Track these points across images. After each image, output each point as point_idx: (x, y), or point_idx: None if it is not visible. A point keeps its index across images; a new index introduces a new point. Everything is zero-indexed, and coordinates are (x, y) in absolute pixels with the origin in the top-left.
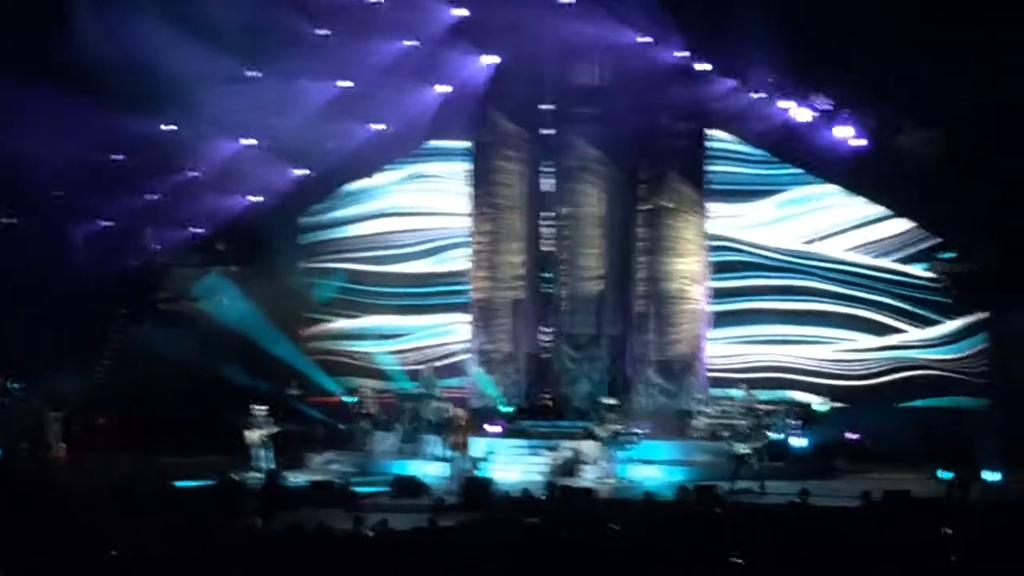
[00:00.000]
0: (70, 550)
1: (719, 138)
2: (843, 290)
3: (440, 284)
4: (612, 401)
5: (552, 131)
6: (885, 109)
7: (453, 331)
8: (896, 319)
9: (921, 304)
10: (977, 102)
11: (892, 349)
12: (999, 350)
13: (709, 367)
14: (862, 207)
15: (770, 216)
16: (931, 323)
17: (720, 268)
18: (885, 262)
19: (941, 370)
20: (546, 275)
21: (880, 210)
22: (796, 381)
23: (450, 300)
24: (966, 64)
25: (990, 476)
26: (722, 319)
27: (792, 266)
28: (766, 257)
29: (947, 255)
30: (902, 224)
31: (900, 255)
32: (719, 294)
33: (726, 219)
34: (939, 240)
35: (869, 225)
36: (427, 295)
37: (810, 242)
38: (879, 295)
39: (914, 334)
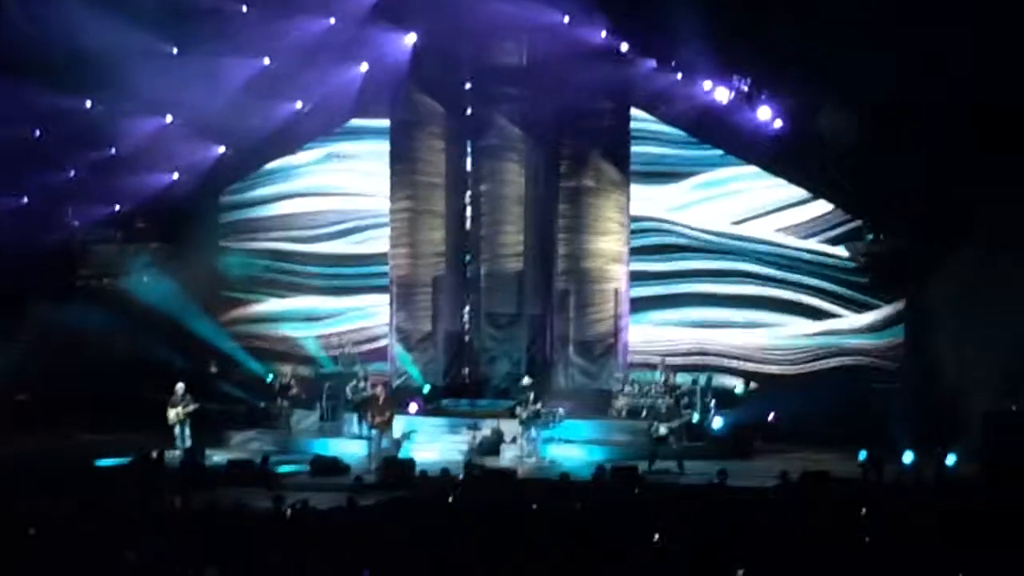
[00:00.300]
0: None
1: (642, 118)
2: (777, 273)
3: (360, 265)
4: (532, 380)
5: (473, 110)
6: (804, 90)
7: (376, 313)
8: (831, 303)
9: (855, 288)
10: (896, 83)
11: (823, 335)
12: (913, 331)
13: (634, 349)
14: (784, 189)
15: (695, 197)
16: (867, 307)
17: (651, 250)
18: (814, 244)
19: (868, 356)
20: (466, 254)
21: (802, 192)
22: (725, 367)
23: (371, 282)
24: (886, 44)
25: (907, 457)
26: (653, 302)
27: (724, 248)
28: (697, 239)
29: (867, 237)
30: (825, 206)
31: (825, 237)
32: (650, 277)
33: (650, 201)
34: (860, 223)
35: (794, 207)
36: (348, 276)
37: (738, 223)
38: (813, 278)
39: (846, 320)
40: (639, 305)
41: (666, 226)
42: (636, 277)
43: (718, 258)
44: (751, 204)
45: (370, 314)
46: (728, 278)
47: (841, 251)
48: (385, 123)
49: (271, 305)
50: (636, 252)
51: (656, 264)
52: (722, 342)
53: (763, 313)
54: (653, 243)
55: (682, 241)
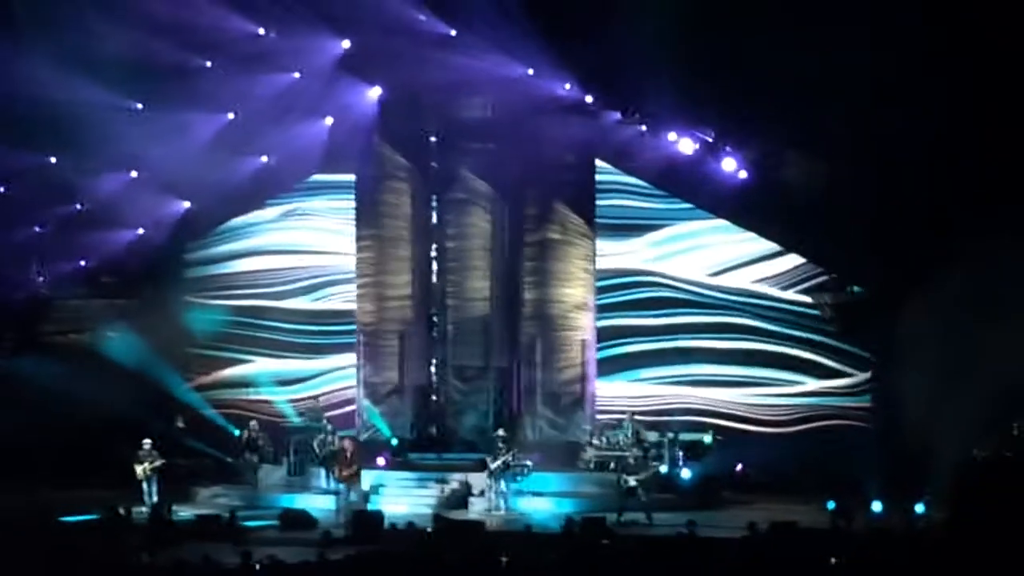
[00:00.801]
0: None
1: (608, 170)
2: (762, 325)
3: (327, 323)
4: (502, 432)
5: (439, 163)
6: (769, 140)
7: (344, 374)
8: (815, 354)
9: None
10: (857, 131)
11: (806, 396)
12: (881, 381)
13: (603, 402)
14: (755, 242)
15: (669, 249)
16: (844, 356)
17: (641, 304)
18: (793, 295)
19: (844, 419)
20: (433, 307)
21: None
22: (714, 425)
23: (338, 340)
24: (846, 93)
25: (876, 507)
26: (641, 359)
27: (712, 301)
28: (686, 291)
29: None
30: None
31: (803, 288)
32: (641, 332)
33: (622, 255)
34: (830, 275)
35: (769, 259)
36: (314, 333)
37: (715, 275)
38: (797, 330)
39: (836, 381)
40: (627, 362)
41: (654, 279)
42: (629, 333)
43: (707, 312)
44: (724, 256)
45: (339, 376)
46: (718, 333)
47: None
48: (350, 178)
49: (239, 367)
50: (624, 307)
51: (647, 319)
52: (707, 398)
53: (748, 369)
54: (643, 297)
55: (672, 294)
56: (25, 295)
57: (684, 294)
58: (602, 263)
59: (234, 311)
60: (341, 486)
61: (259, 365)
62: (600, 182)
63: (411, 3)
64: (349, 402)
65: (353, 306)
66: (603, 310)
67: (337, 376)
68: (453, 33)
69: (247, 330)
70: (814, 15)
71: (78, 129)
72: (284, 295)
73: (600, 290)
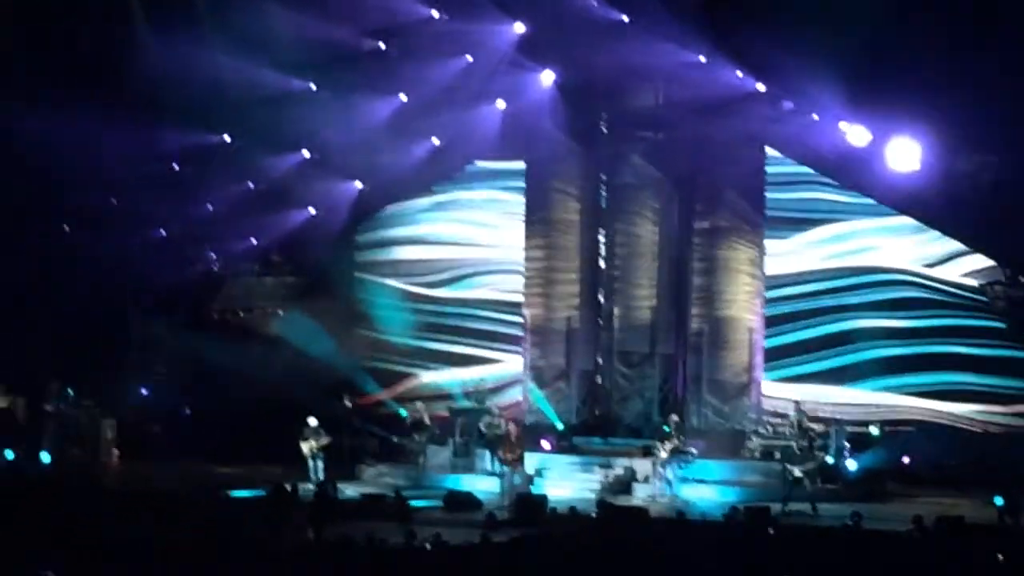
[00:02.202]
0: (117, 557)
1: (776, 160)
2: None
3: (493, 309)
4: (674, 418)
5: (608, 149)
6: (942, 133)
7: (512, 359)
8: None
9: None
10: None
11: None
12: None
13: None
14: (930, 240)
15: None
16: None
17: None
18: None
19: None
20: (600, 293)
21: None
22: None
23: (503, 329)
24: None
25: None
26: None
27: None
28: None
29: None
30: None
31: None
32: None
33: (789, 253)
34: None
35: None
36: (478, 318)
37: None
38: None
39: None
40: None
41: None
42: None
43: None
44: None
45: (503, 354)
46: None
47: None
48: (518, 165)
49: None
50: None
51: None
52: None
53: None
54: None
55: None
56: (198, 273)
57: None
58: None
59: (402, 295)
60: (505, 468)
61: (426, 345)
62: (770, 174)
63: None
64: (515, 385)
65: (519, 294)
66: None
67: (500, 353)
68: (626, 19)
69: (414, 314)
70: (990, 9)
71: (253, 110)
72: (446, 283)
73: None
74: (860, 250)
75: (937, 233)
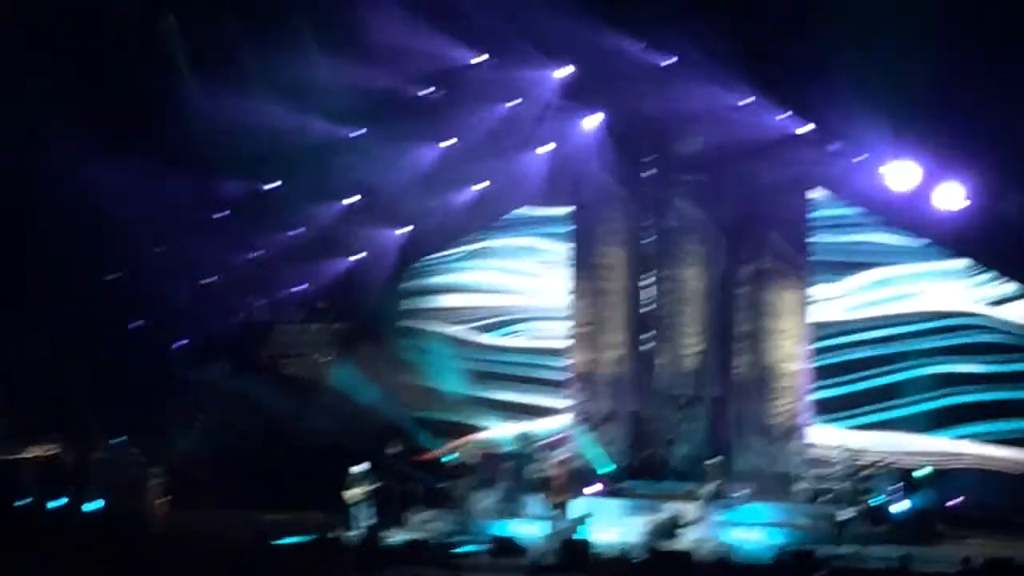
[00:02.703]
0: None
1: (824, 203)
2: None
3: (537, 355)
4: (716, 460)
5: (653, 192)
6: (987, 173)
7: (559, 403)
8: None
9: None
10: None
11: None
12: None
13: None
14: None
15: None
16: None
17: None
18: None
19: None
20: (646, 336)
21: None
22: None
23: (549, 375)
24: None
25: None
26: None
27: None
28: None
29: None
30: None
31: None
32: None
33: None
34: None
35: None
36: (526, 365)
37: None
38: None
39: None
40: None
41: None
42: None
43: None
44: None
45: (551, 403)
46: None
47: None
48: (562, 210)
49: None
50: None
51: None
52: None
53: None
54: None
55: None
56: (243, 319)
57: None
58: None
59: (446, 342)
60: (551, 512)
61: (473, 397)
62: (816, 217)
63: (628, 31)
64: (563, 429)
65: (563, 340)
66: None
67: (551, 404)
68: (671, 62)
69: (460, 362)
70: None
71: (300, 157)
72: (490, 328)
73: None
74: (910, 295)
75: (983, 277)
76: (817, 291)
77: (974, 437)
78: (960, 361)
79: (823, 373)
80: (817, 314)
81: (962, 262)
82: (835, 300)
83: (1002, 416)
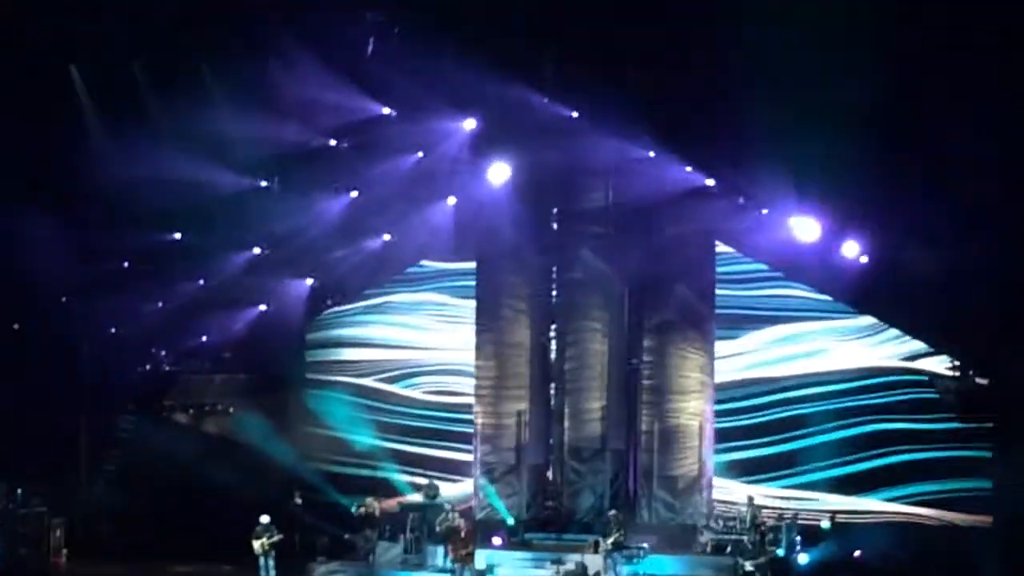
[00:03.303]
0: None
1: (729, 257)
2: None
3: (444, 410)
4: (614, 512)
5: (558, 244)
6: (890, 227)
7: (462, 454)
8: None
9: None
10: (981, 218)
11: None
12: (1000, 470)
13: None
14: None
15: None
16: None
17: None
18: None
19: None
20: (550, 389)
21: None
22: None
23: (455, 427)
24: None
25: None
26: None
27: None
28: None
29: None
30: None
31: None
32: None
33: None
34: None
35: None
36: (428, 418)
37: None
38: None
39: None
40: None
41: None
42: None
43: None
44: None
45: (456, 455)
46: None
47: None
48: (466, 265)
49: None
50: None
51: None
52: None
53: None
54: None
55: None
56: (149, 369)
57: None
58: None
59: (355, 394)
60: (456, 564)
61: (380, 448)
62: (721, 271)
63: (533, 86)
64: (466, 481)
65: (468, 394)
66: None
67: (456, 456)
68: (575, 115)
69: (365, 413)
70: (935, 107)
71: (206, 208)
72: (394, 380)
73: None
74: (812, 353)
75: (887, 335)
76: (723, 347)
77: (884, 498)
78: (875, 421)
79: (730, 435)
80: (722, 372)
81: (867, 319)
82: (741, 356)
83: (915, 478)
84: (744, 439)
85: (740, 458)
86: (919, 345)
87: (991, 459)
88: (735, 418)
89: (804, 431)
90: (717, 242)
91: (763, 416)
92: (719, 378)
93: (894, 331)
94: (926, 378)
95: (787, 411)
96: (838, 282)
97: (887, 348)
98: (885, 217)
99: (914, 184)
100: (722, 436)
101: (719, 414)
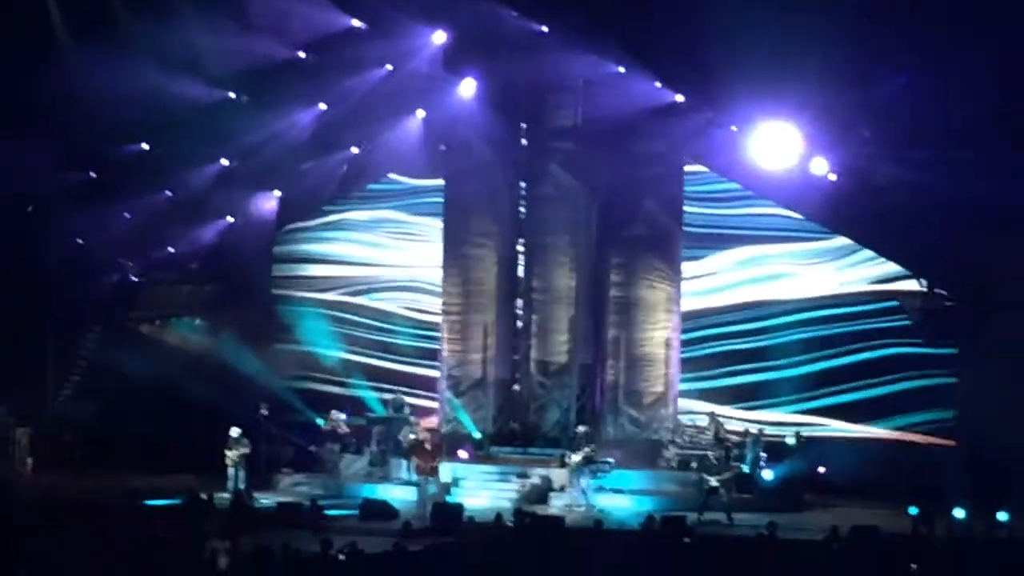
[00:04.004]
0: (32, 567)
1: (696, 175)
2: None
3: (411, 324)
4: (585, 428)
5: (528, 159)
6: (859, 144)
7: (428, 367)
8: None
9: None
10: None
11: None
12: (964, 387)
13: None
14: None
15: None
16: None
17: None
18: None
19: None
20: (517, 303)
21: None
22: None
23: (422, 344)
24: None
25: (959, 514)
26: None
27: None
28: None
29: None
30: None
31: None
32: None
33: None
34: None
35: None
36: (399, 333)
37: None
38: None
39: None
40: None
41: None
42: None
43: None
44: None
45: (422, 370)
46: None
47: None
48: (434, 182)
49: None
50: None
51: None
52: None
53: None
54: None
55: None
56: (114, 281)
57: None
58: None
59: (321, 308)
60: (421, 478)
61: (343, 355)
62: (688, 190)
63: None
64: (432, 394)
65: (435, 308)
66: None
67: (420, 368)
68: (545, 30)
69: (332, 326)
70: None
71: (173, 120)
72: (360, 293)
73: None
74: (778, 275)
75: (855, 258)
76: (689, 268)
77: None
78: (844, 354)
79: (696, 364)
80: (688, 296)
81: (835, 242)
82: (708, 277)
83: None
84: (710, 368)
85: (706, 387)
86: (888, 268)
87: (956, 386)
88: (701, 347)
89: (771, 363)
90: (687, 160)
91: (730, 344)
92: (686, 304)
93: (862, 254)
94: (895, 303)
95: (754, 341)
96: (808, 201)
97: (856, 271)
98: (856, 133)
99: (884, 99)
100: (689, 365)
101: (685, 343)
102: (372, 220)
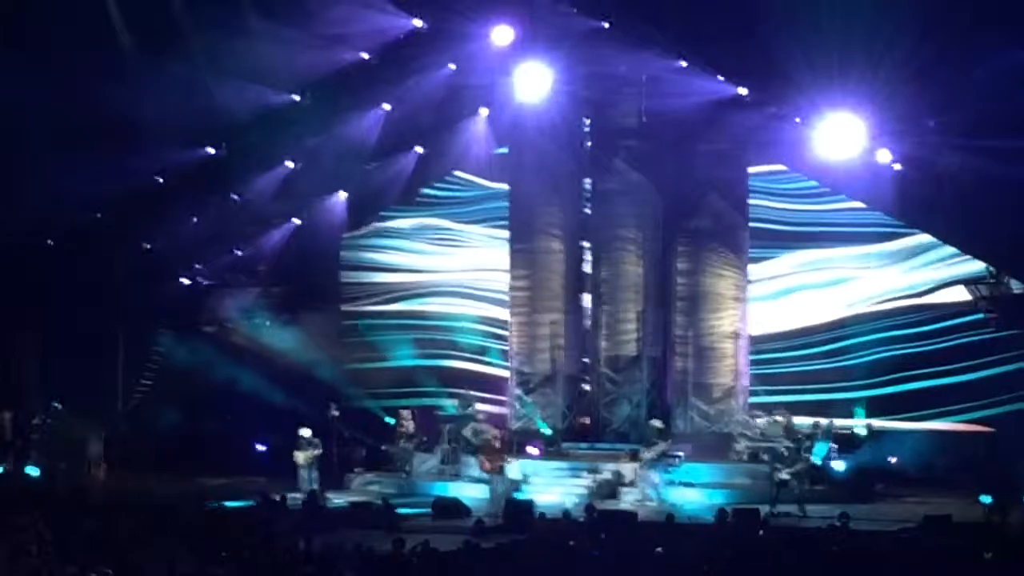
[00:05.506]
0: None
1: (762, 175)
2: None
3: (479, 323)
4: (658, 423)
5: (592, 155)
6: (924, 133)
7: (499, 365)
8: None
9: None
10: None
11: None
12: None
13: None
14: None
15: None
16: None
17: None
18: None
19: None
20: (585, 298)
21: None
22: None
23: (489, 342)
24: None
25: None
26: None
27: None
28: None
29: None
30: None
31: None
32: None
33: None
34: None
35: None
36: (465, 331)
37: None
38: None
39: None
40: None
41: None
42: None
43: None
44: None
45: (492, 369)
46: None
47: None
48: (499, 186)
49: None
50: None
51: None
52: None
53: None
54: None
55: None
56: (183, 285)
57: None
58: None
59: (391, 310)
60: (492, 475)
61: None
62: (753, 184)
63: None
64: (502, 391)
65: (504, 306)
66: None
67: (491, 370)
68: (606, 26)
69: (397, 331)
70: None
71: (239, 124)
72: (426, 296)
73: None
74: (845, 279)
75: (921, 260)
76: (756, 269)
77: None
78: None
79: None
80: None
81: (901, 243)
82: (775, 279)
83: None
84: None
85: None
86: (952, 271)
87: None
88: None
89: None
90: (751, 154)
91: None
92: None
93: (925, 257)
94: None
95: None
96: (874, 191)
97: (923, 273)
98: (920, 123)
99: (948, 90)
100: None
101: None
102: (439, 224)
